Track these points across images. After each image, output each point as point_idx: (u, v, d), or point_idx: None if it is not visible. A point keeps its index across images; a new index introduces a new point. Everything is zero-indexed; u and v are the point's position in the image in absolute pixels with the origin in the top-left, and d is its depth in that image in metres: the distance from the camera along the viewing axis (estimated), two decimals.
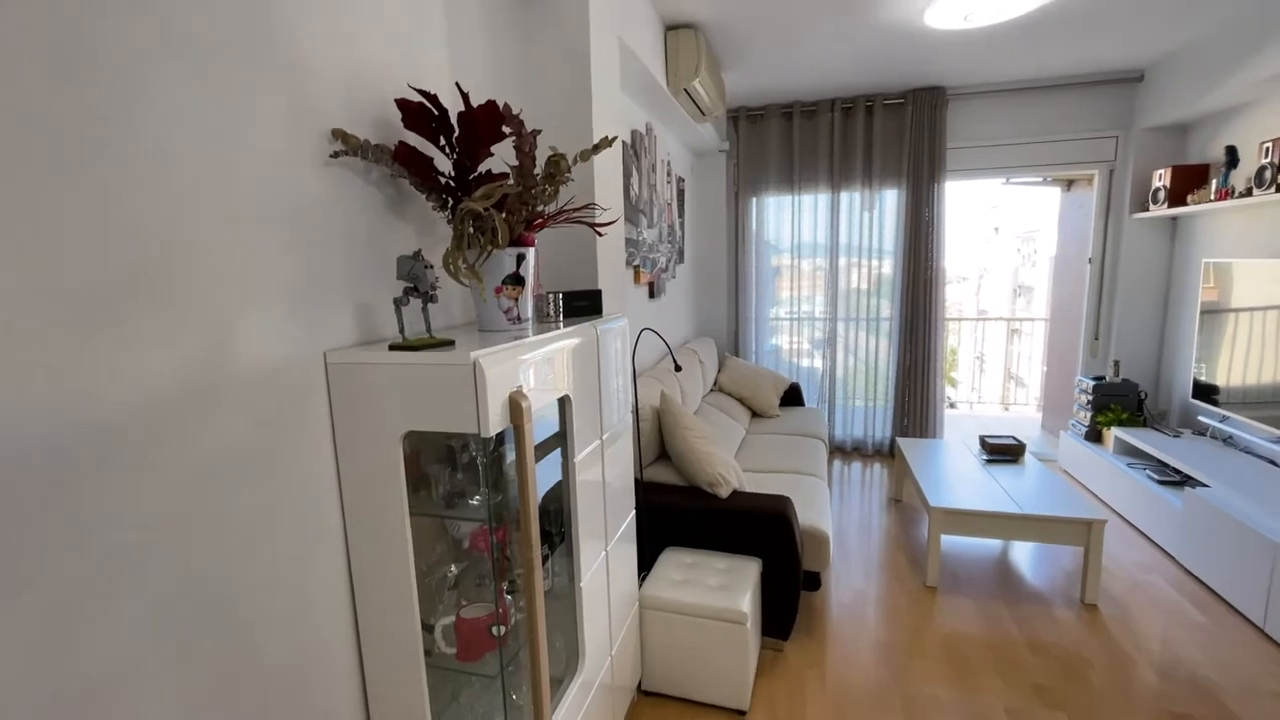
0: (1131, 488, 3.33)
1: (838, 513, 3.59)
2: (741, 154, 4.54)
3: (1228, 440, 3.30)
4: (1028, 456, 3.32)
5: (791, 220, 4.57)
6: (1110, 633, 2.37)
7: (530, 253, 1.37)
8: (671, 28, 2.94)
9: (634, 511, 1.97)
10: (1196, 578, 2.75)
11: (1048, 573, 2.84)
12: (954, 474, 3.08)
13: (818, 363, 4.76)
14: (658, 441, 2.68)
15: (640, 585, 2.11)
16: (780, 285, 4.75)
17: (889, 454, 4.61)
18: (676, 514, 2.34)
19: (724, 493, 2.37)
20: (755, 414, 4.22)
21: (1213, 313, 3.22)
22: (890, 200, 4.37)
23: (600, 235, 1.86)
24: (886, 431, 4.62)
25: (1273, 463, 2.99)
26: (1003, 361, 7.05)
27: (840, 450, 4.73)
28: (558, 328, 1.43)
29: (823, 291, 4.65)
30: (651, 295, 3.44)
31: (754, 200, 4.62)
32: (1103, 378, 3.96)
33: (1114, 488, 3.51)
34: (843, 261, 4.54)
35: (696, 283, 4.75)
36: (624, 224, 2.80)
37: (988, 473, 3.09)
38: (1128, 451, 3.67)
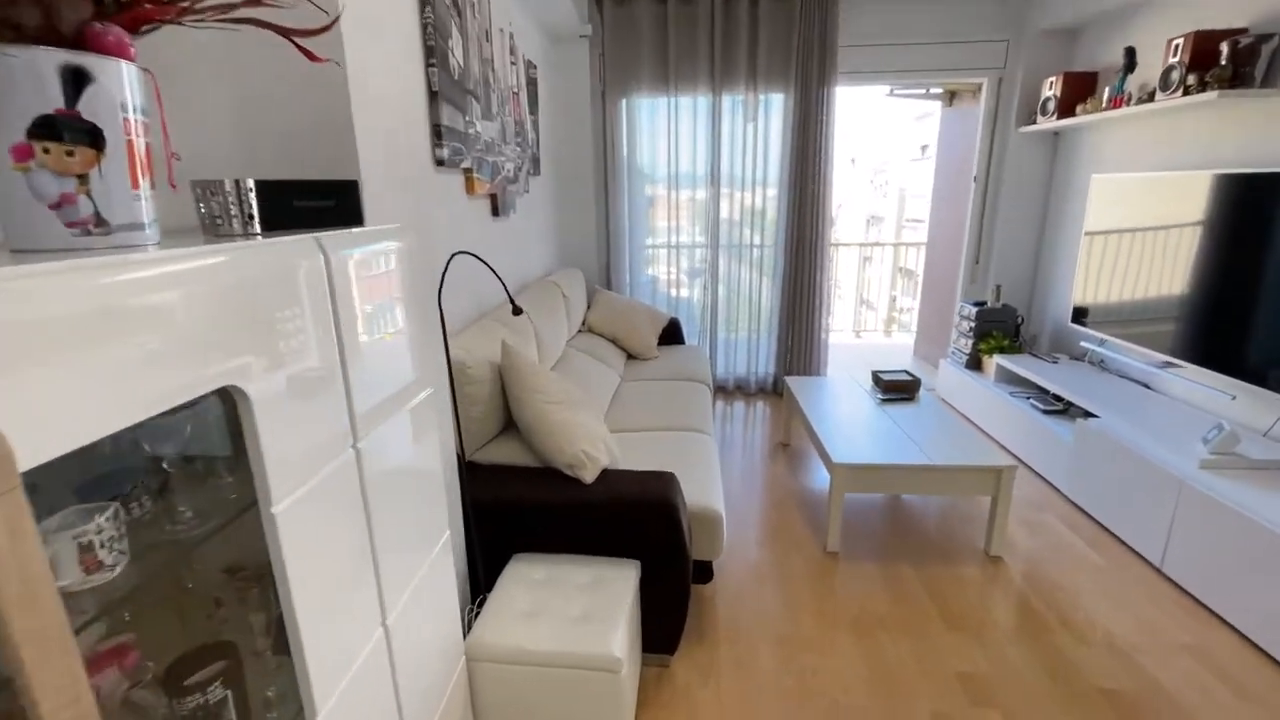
0: (1017, 418, 3.20)
1: (725, 463, 3.18)
2: (608, 43, 3.73)
3: (1102, 364, 3.25)
4: (922, 393, 3.05)
5: (668, 129, 3.89)
6: (1020, 591, 2.14)
7: (118, 70, 0.60)
8: None
9: (466, 520, 1.32)
10: (1088, 514, 2.64)
11: (946, 521, 2.60)
12: (851, 420, 2.73)
13: (697, 295, 4.25)
14: (502, 409, 2.00)
15: (469, 626, 1.49)
16: (656, 207, 4.11)
17: (773, 391, 4.28)
18: (527, 510, 1.72)
19: (589, 476, 1.77)
20: (631, 356, 3.65)
21: (1097, 234, 3.05)
22: (776, 108, 3.82)
23: (318, 61, 1.02)
24: (770, 367, 4.27)
25: (1146, 386, 2.94)
26: (855, 288, 7.04)
27: (722, 390, 4.34)
28: (248, 240, 0.69)
29: (701, 215, 4.08)
30: (496, 213, 2.66)
31: (624, 103, 3.86)
32: (984, 303, 3.82)
33: (999, 420, 3.39)
34: (724, 178, 3.98)
35: (558, 201, 3.97)
36: (431, 96, 1.98)
37: (886, 415, 2.77)
38: (1009, 379, 3.56)
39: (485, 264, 1.54)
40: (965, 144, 4.18)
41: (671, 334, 3.91)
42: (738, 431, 3.64)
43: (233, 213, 0.83)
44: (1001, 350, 3.63)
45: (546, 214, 3.67)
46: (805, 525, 2.57)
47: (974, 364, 3.79)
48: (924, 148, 11.86)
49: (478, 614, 1.53)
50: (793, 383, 3.28)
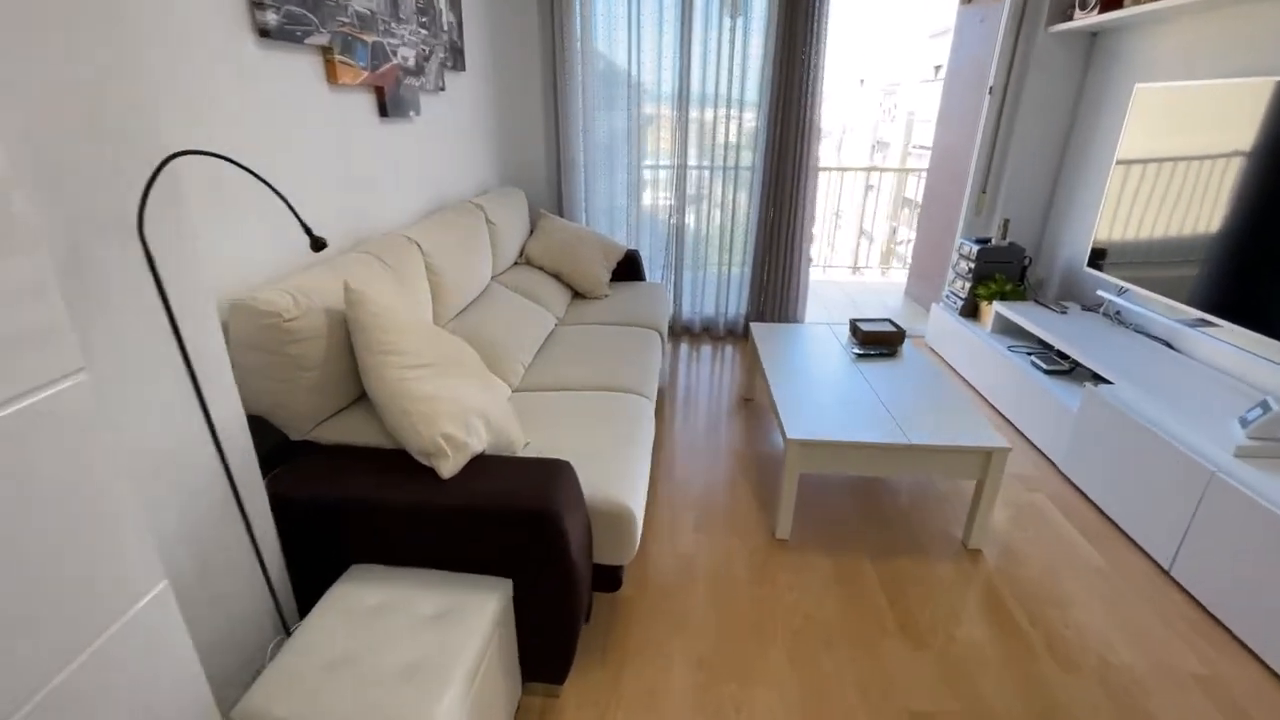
0: (1014, 378, 2.78)
1: (677, 423, 2.77)
2: None
3: (1118, 317, 2.79)
4: (906, 346, 2.61)
5: (628, 25, 3.23)
6: (1000, 599, 1.78)
7: None
8: None
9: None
10: (1089, 499, 2.26)
11: (921, 500, 2.23)
12: (818, 380, 2.29)
13: (661, 223, 3.71)
14: (350, 371, 1.55)
15: (260, 675, 1.10)
16: (615, 119, 3.49)
17: (743, 335, 3.83)
18: (366, 512, 1.30)
19: (447, 469, 1.34)
20: (578, 294, 3.16)
21: (1133, 163, 2.51)
22: (759, 6, 3.15)
23: None
24: (742, 307, 3.80)
25: (1170, 346, 2.50)
26: (859, 218, 6.46)
27: (688, 332, 3.89)
28: None
29: (669, 131, 3.48)
30: (384, 112, 2.10)
31: None
32: (988, 240, 3.31)
33: (992, 377, 2.97)
34: (694, 88, 3.35)
35: (497, 105, 3.36)
36: None
37: (861, 374, 2.34)
38: (1007, 330, 3.11)
39: (249, 171, 1.03)
40: (983, 50, 3.53)
41: (630, 269, 3.41)
42: (698, 384, 3.21)
43: None
44: (1003, 296, 3.16)
45: (477, 120, 3.07)
46: (754, 504, 2.19)
47: (970, 310, 3.33)
48: (937, 68, 10.82)
49: (271, 657, 1.15)
50: (758, 330, 2.82)
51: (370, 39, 1.97)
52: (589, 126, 3.44)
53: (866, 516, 2.13)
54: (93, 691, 0.76)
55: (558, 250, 3.10)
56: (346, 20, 1.82)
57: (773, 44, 3.20)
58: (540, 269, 3.09)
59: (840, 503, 2.20)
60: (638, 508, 1.52)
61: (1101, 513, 2.17)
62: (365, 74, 1.94)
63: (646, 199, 3.69)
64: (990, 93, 3.36)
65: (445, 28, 2.57)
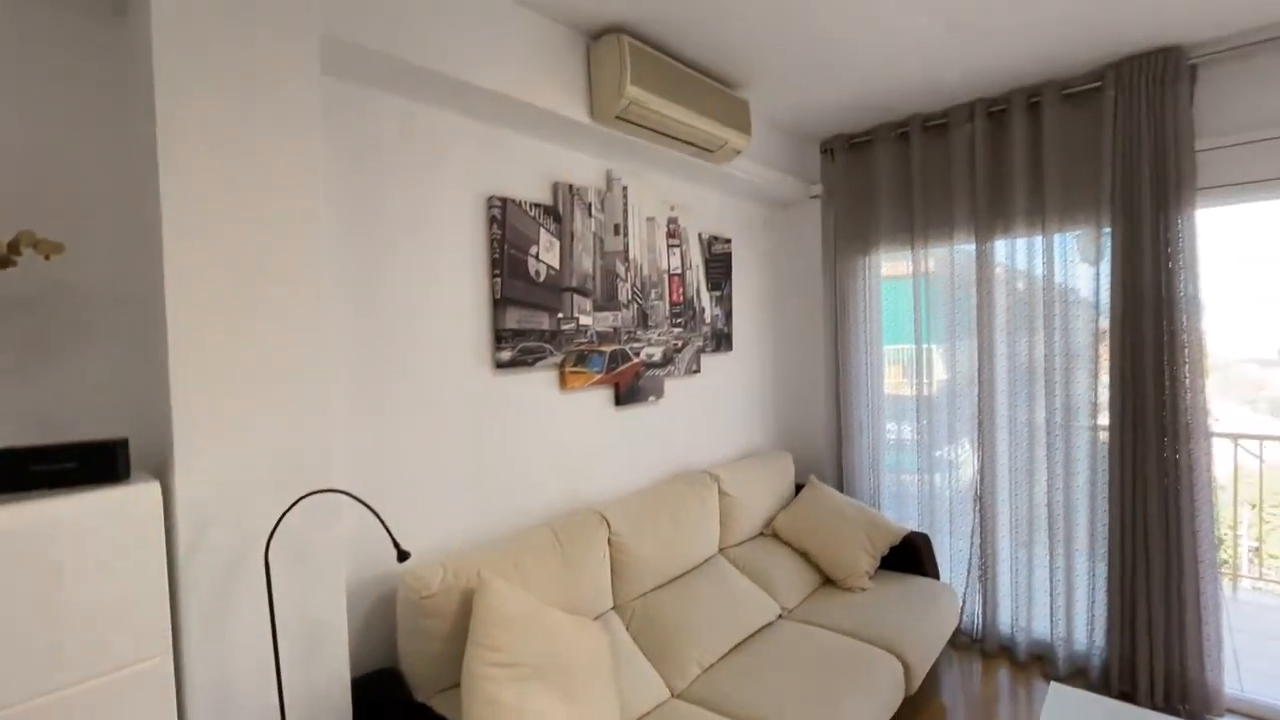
0: None
1: None
2: (839, 198, 3.26)
3: None
4: None
5: (914, 291, 3.06)
6: None
7: None
8: (596, 35, 2.10)
9: None
10: None
11: None
12: None
13: (967, 503, 3.01)
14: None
15: None
16: (903, 387, 3.20)
17: (1100, 684, 2.59)
18: None
19: None
20: (828, 581, 2.77)
21: None
22: (1074, 247, 2.62)
23: None
24: (1097, 638, 2.62)
25: None
26: None
27: (1008, 656, 2.85)
28: None
29: (966, 399, 2.96)
30: (619, 401, 2.47)
31: (863, 260, 3.24)
32: None
33: None
34: (999, 328, 2.83)
35: (767, 374, 3.49)
36: (494, 303, 1.99)
37: None
38: None
39: (364, 504, 1.37)
40: None
41: (911, 558, 2.84)
42: None
43: None
44: None
45: (740, 391, 3.25)
46: None
47: None
48: None
49: None
50: (1056, 698, 1.91)
51: (610, 349, 2.41)
52: (874, 392, 3.22)
53: None
54: None
55: (809, 525, 2.84)
56: (585, 341, 2.31)
57: (1114, 287, 2.50)
58: (787, 544, 2.86)
59: None
60: None
61: None
62: (598, 376, 2.37)
63: (943, 470, 3.10)
64: None
65: (708, 321, 2.94)
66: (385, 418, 1.77)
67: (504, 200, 2.03)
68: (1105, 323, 2.54)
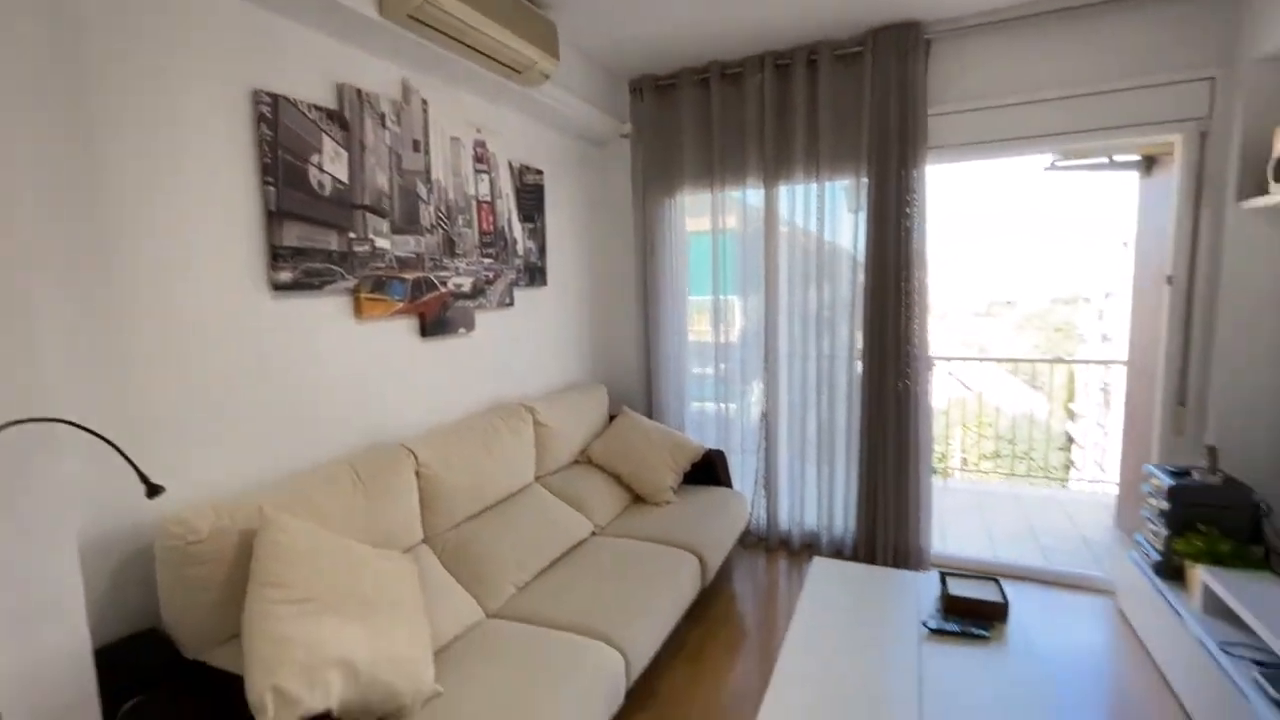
0: (1224, 698, 1.80)
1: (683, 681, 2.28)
2: (648, 139, 3.36)
3: None
4: (1011, 628, 1.88)
5: (714, 227, 3.30)
6: None
7: None
8: None
9: None
10: None
11: None
12: (847, 672, 1.72)
13: (754, 420, 3.42)
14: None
15: None
16: (703, 318, 3.48)
17: (853, 556, 3.16)
18: None
19: None
20: (638, 498, 2.98)
21: None
22: (843, 197, 3.02)
23: None
24: (848, 522, 3.18)
25: None
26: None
27: (785, 547, 3.35)
28: None
29: (755, 325, 3.32)
30: (425, 332, 2.35)
31: (667, 202, 3.40)
32: (1188, 472, 2.39)
33: (1196, 687, 1.97)
34: (783, 278, 3.21)
35: (581, 311, 3.57)
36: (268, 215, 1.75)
37: (927, 664, 1.71)
38: (1223, 613, 2.09)
39: (91, 432, 1.17)
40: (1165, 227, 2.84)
41: (710, 472, 3.14)
42: (751, 617, 2.67)
43: None
44: (1217, 558, 2.17)
45: (560, 325, 3.29)
46: None
47: (1170, 570, 2.34)
48: (1125, 243, 8.62)
49: None
50: (816, 571, 2.30)
51: (412, 276, 2.27)
52: (676, 326, 3.46)
53: None
54: None
55: (620, 450, 3.01)
56: (383, 266, 2.14)
57: (866, 233, 2.94)
58: (600, 469, 3.00)
59: None
60: None
61: None
62: (400, 305, 2.22)
63: (736, 394, 3.47)
64: (1169, 282, 2.63)
65: (520, 254, 2.89)
66: (131, 342, 1.48)
67: (275, 97, 1.76)
68: (862, 277, 2.98)
